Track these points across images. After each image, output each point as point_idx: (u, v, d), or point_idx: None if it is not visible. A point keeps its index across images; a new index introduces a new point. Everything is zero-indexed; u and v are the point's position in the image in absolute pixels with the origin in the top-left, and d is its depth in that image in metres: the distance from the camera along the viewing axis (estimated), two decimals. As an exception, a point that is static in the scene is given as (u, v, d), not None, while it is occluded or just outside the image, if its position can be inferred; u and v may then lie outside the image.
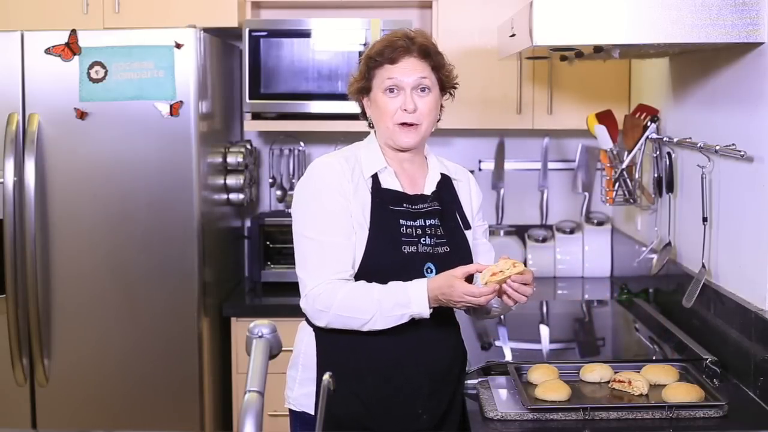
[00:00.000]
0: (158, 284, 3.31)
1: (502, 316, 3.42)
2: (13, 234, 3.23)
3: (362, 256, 2.21)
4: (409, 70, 2.25)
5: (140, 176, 3.29)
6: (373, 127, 2.37)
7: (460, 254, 2.30)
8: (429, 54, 2.28)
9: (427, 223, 2.27)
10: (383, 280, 2.20)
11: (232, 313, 3.56)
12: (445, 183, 2.36)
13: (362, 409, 2.26)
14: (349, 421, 2.25)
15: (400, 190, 2.29)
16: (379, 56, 2.27)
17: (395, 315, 2.17)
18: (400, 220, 2.25)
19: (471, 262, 2.31)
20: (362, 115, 2.39)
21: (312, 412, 2.28)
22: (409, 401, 2.27)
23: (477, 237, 2.41)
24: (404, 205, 2.27)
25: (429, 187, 2.34)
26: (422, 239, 2.25)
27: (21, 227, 3.24)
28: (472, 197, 2.42)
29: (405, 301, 2.16)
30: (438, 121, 2.35)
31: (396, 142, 2.28)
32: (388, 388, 2.25)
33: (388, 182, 2.29)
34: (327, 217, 2.23)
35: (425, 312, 2.17)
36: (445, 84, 2.32)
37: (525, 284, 2.18)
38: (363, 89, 2.32)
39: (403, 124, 2.26)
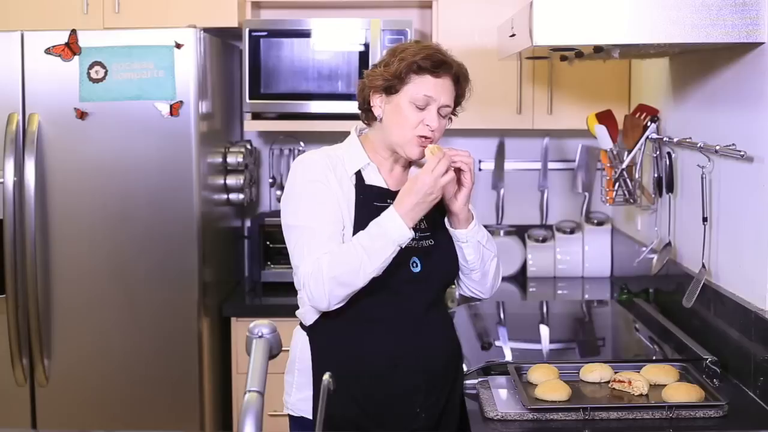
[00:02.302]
0: (158, 284, 3.31)
1: (501, 315, 3.42)
2: (13, 234, 3.23)
3: None
4: (445, 90, 2.24)
5: (140, 176, 3.29)
6: (368, 123, 2.35)
7: (444, 245, 2.30)
8: (459, 81, 2.28)
9: None
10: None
11: (232, 313, 3.56)
12: None
13: (359, 411, 2.25)
14: (346, 422, 2.25)
15: (384, 186, 2.29)
16: (425, 63, 2.21)
17: (379, 249, 2.13)
18: None
19: (455, 252, 2.32)
20: (365, 110, 2.33)
21: (310, 417, 2.28)
22: (406, 401, 2.26)
23: None
24: (388, 201, 2.27)
25: None
26: None
27: (21, 227, 3.24)
28: None
29: (379, 231, 2.14)
30: None
31: (407, 153, 2.26)
32: (385, 389, 2.25)
33: (372, 178, 2.29)
34: (313, 205, 2.22)
35: (406, 232, 2.14)
36: (454, 112, 2.33)
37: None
38: (390, 88, 2.24)
39: (420, 137, 2.23)
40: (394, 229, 2.13)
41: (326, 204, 2.22)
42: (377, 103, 2.28)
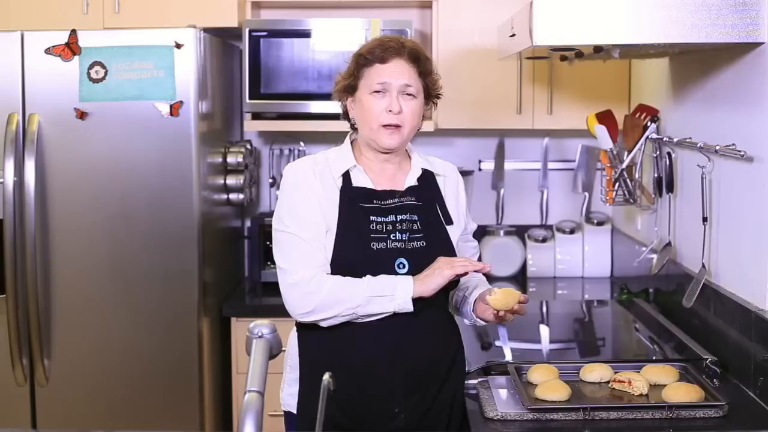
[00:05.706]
0: (158, 284, 3.31)
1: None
2: (13, 234, 3.23)
3: (332, 254, 2.24)
4: (398, 72, 2.27)
5: (140, 176, 3.29)
6: (355, 128, 2.37)
7: (438, 249, 2.30)
8: (418, 59, 2.30)
9: (398, 219, 2.27)
10: (354, 276, 2.21)
11: (232, 313, 3.56)
12: (427, 178, 2.37)
13: (338, 409, 2.25)
14: (327, 421, 2.24)
15: (370, 186, 2.30)
16: (370, 54, 2.28)
17: (379, 303, 2.19)
18: (371, 217, 2.27)
19: (452, 256, 2.32)
20: (344, 116, 2.40)
21: (295, 412, 2.30)
22: (384, 400, 2.26)
23: (466, 233, 2.44)
24: (374, 201, 2.29)
25: (408, 183, 2.34)
26: (392, 235, 2.26)
27: (21, 227, 3.24)
28: (459, 195, 2.43)
29: (390, 292, 2.19)
30: (419, 128, 2.36)
31: (379, 144, 2.29)
32: (362, 388, 2.25)
33: (359, 180, 2.31)
34: (295, 212, 2.27)
35: (408, 305, 2.19)
36: (431, 92, 2.34)
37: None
38: (349, 88, 2.32)
39: (387, 125, 2.26)
40: (401, 295, 2.20)
41: (308, 209, 2.26)
42: (349, 107, 2.35)
